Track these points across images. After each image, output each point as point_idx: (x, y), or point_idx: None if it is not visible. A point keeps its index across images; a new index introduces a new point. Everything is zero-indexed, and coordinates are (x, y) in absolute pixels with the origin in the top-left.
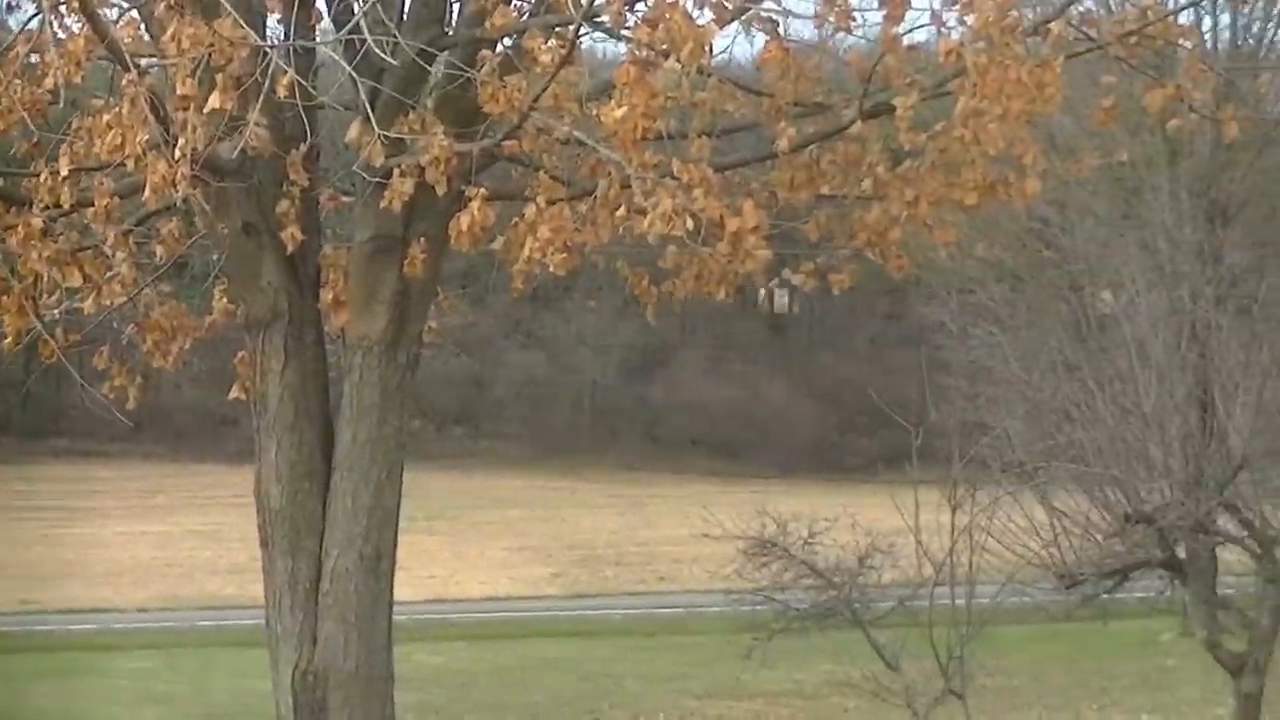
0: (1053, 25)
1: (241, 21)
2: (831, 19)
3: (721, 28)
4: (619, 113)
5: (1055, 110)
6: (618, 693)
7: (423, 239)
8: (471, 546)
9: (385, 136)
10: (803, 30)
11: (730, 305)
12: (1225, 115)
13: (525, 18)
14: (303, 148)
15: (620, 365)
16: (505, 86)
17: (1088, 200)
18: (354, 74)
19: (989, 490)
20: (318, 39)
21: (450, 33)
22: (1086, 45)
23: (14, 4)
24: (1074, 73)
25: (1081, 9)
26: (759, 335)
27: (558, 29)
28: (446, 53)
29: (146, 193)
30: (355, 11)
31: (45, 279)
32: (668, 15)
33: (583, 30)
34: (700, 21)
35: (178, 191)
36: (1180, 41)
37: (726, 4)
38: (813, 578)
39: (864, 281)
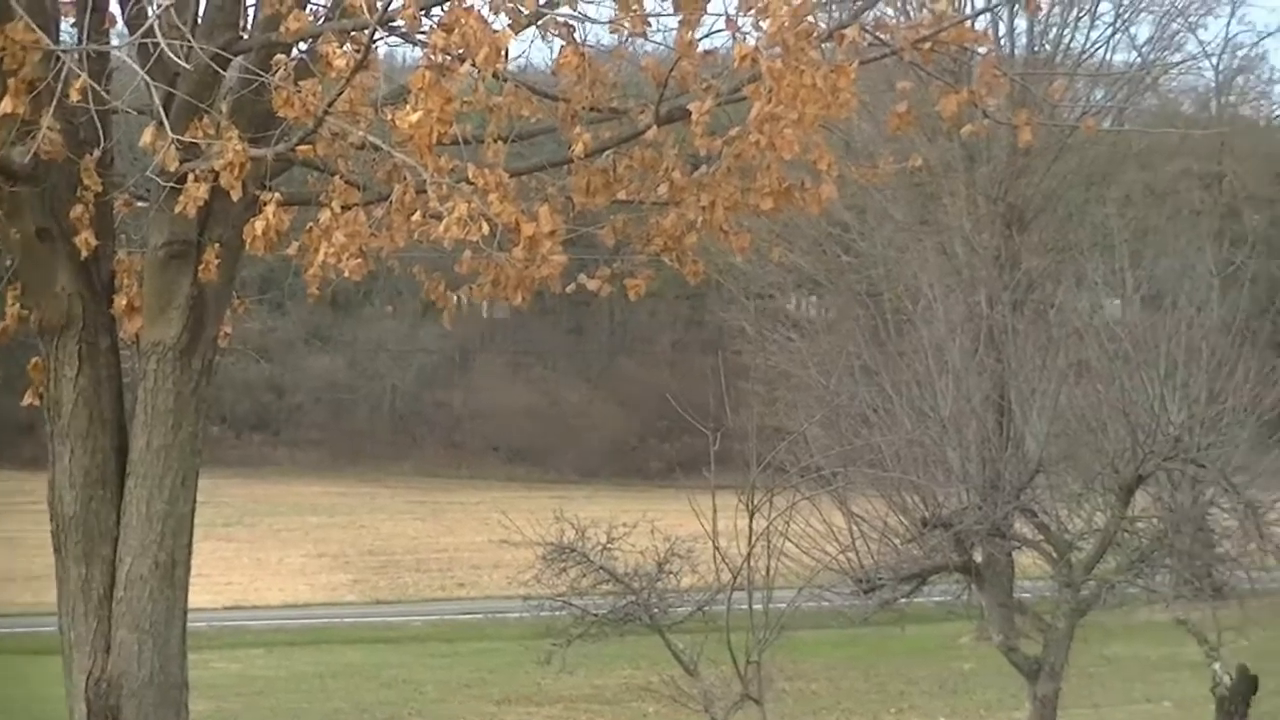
0: (847, 31)
1: (34, 25)
2: (627, 24)
3: (517, 33)
4: (414, 117)
5: (850, 115)
6: (417, 699)
7: (218, 244)
8: (270, 553)
9: (180, 141)
10: (599, 36)
11: (530, 310)
12: (1019, 120)
13: (320, 22)
14: (96, 152)
15: (420, 371)
16: (300, 91)
17: (886, 205)
18: (148, 78)
19: (787, 495)
20: (112, 43)
21: (245, 37)
22: (881, 51)
23: None
24: (872, 78)
25: (876, 15)
26: (559, 340)
27: (353, 33)
28: (241, 57)
29: None
30: (149, 16)
31: None
32: (463, 20)
33: (378, 35)
34: (496, 26)
35: None
36: (974, 47)
37: (522, 9)
38: (611, 583)
39: (664, 287)
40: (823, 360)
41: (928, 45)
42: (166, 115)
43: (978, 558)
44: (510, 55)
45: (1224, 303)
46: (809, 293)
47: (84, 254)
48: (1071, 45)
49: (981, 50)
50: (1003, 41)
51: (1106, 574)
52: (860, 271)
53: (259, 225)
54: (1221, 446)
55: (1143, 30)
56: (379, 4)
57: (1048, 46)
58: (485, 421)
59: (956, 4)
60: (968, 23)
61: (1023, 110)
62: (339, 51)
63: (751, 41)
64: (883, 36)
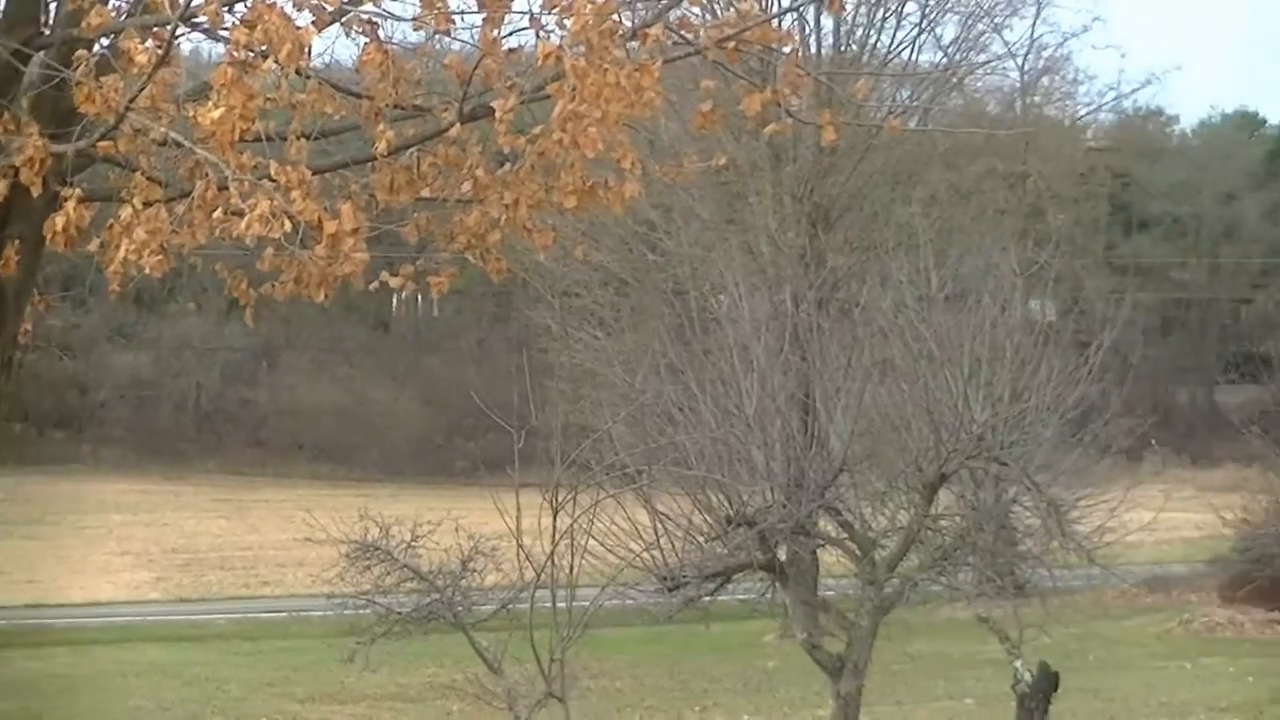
0: (651, 30)
1: None
2: (431, 21)
3: (320, 30)
4: (216, 114)
5: (655, 114)
6: (220, 697)
7: (17, 240)
8: (73, 551)
9: None
10: (404, 33)
11: (335, 307)
12: (823, 120)
13: (122, 18)
14: None
15: (225, 368)
16: (101, 87)
17: (692, 204)
18: None
19: (591, 493)
20: None
21: (46, 32)
22: (685, 50)
23: None
24: (678, 77)
25: (680, 13)
26: (364, 338)
27: (155, 29)
28: (42, 52)
29: None
30: None
31: None
32: (265, 17)
33: (180, 31)
34: (299, 23)
35: None
36: (778, 47)
37: (326, 5)
38: (415, 581)
39: (470, 284)
40: (628, 358)
41: (732, 44)
42: None
43: (782, 556)
44: (313, 52)
45: (1027, 301)
46: (615, 291)
47: None
48: (878, 45)
49: (785, 50)
50: (809, 41)
51: (910, 572)
52: (666, 270)
53: (59, 221)
54: (1024, 445)
55: (949, 31)
56: (180, 0)
57: (854, 46)
58: (290, 419)
59: (762, 4)
60: (772, 22)
61: (826, 110)
62: (140, 47)
63: (555, 40)
64: (687, 35)
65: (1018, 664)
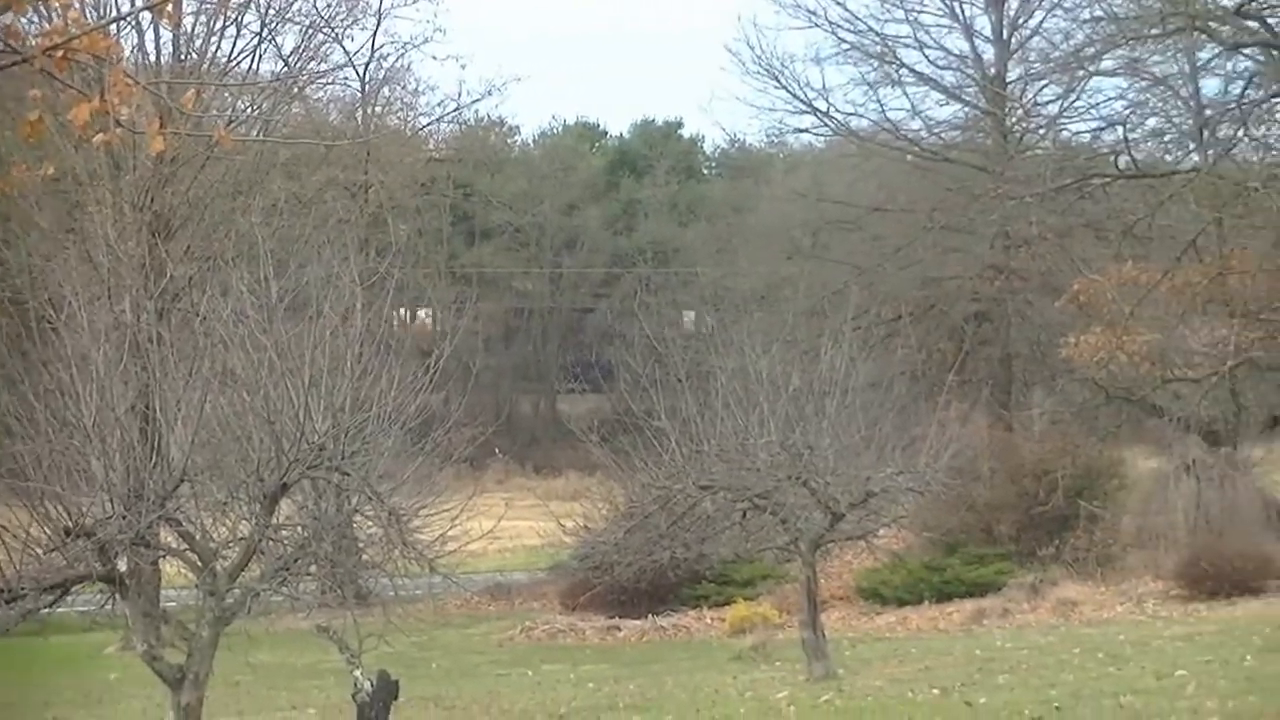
0: None
1: None
2: None
3: None
4: None
5: None
6: None
7: None
8: None
9: None
10: None
11: None
12: (151, 130)
13: None
14: None
15: None
16: None
17: (32, 213)
18: None
19: None
20: None
21: None
22: (12, 58)
23: None
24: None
25: (7, 22)
26: None
27: None
28: None
29: None
30: None
31: None
32: None
33: None
34: None
35: None
36: (108, 56)
37: None
38: None
39: None
40: None
41: (60, 53)
42: None
43: (122, 567)
44: None
45: (369, 311)
46: None
47: None
48: (218, 54)
49: (116, 59)
50: (148, 50)
51: (251, 582)
52: (4, 279)
53: None
54: (366, 454)
55: (290, 40)
56: None
57: (194, 55)
58: None
59: (100, 12)
60: (102, 31)
61: (154, 120)
62: None
63: None
64: (13, 44)
65: (357, 673)
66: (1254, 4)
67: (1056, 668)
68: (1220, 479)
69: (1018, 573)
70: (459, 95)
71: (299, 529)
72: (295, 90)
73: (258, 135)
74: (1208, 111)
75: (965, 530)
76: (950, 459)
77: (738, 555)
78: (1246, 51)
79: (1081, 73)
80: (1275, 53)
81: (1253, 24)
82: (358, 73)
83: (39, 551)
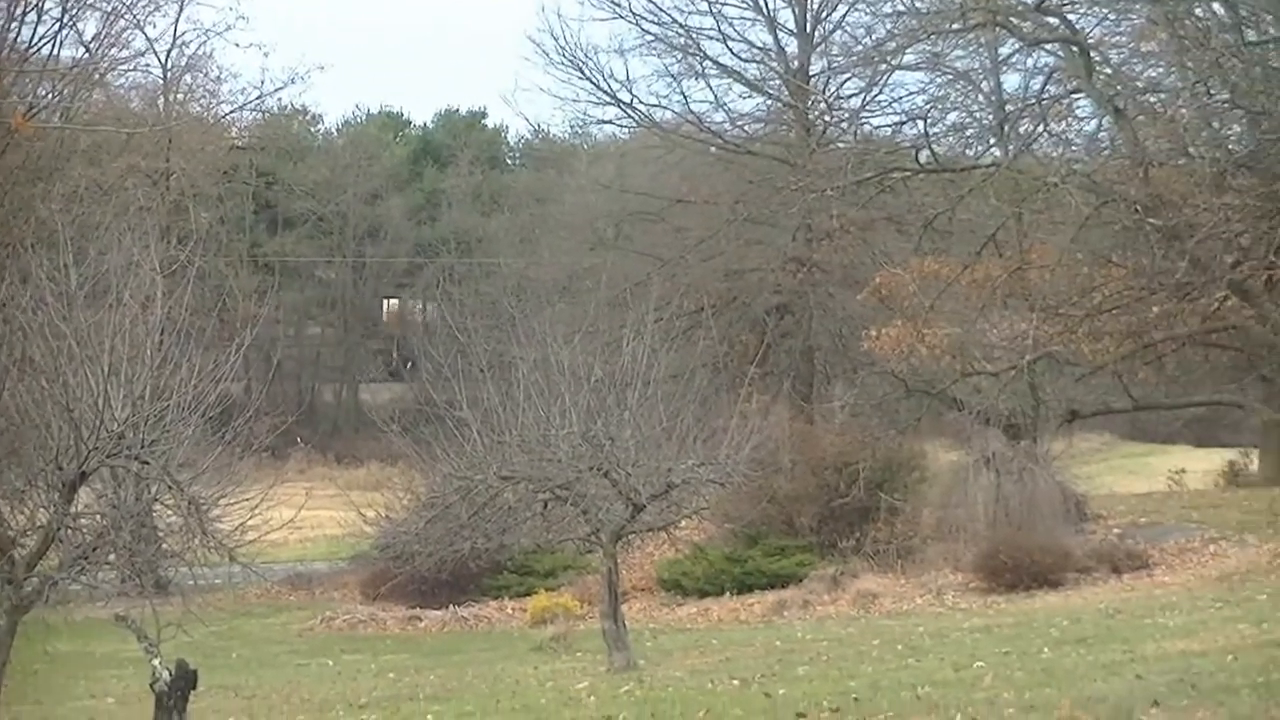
0: None
1: None
2: None
3: None
4: None
5: None
6: None
7: None
8: None
9: None
10: None
11: None
12: None
13: None
14: None
15: None
16: None
17: None
18: None
19: None
20: None
21: None
22: None
23: None
24: None
25: None
26: None
27: None
28: None
29: None
30: None
31: None
32: None
33: None
34: None
35: None
36: None
37: None
38: None
39: None
40: None
41: None
42: None
43: None
44: None
45: (170, 299)
46: None
47: None
48: (18, 40)
49: None
50: None
51: (49, 570)
52: None
53: None
54: (166, 443)
55: (92, 26)
56: None
57: None
58: None
59: None
60: None
61: None
62: None
63: None
64: None
65: (156, 662)
66: (1053, 1)
67: (856, 659)
68: (1020, 472)
69: (818, 564)
70: (261, 83)
71: (98, 517)
72: (96, 77)
73: (58, 121)
74: (1008, 107)
75: (766, 522)
76: (751, 451)
77: (539, 546)
78: (1047, 47)
79: (884, 67)
80: (1075, 49)
81: (1053, 20)
82: (160, 60)
83: None
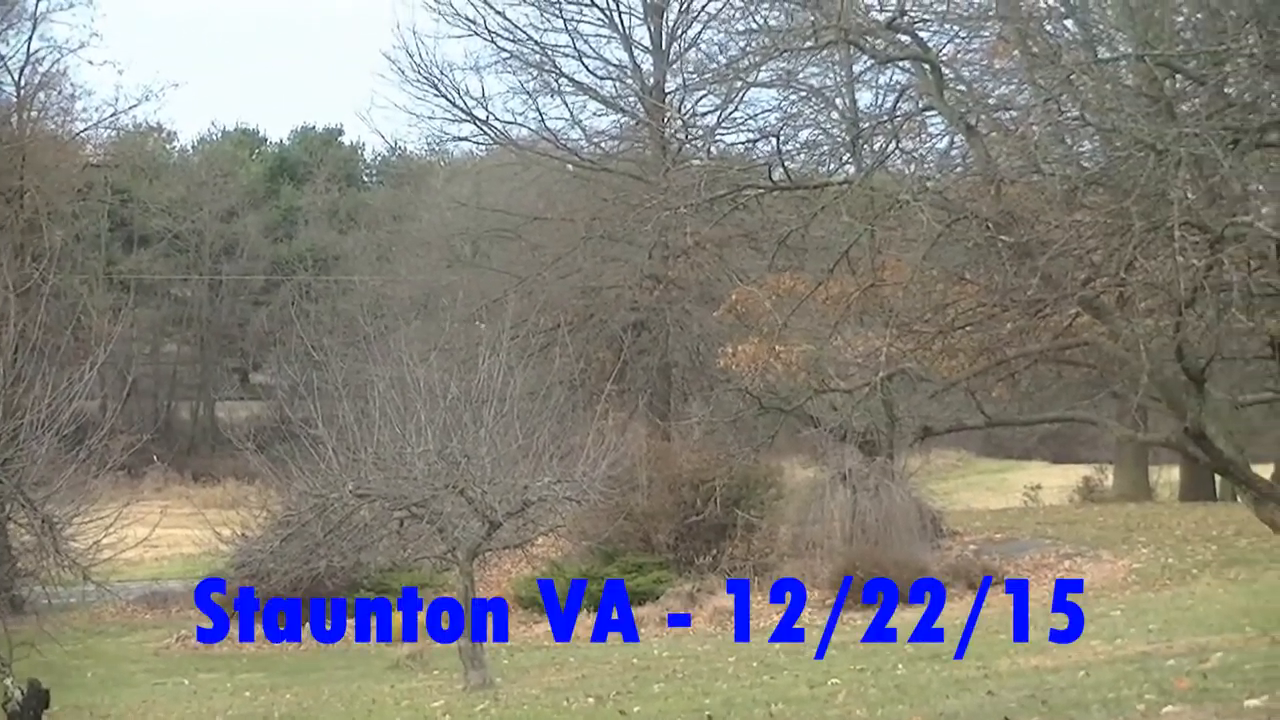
0: None
1: None
2: None
3: None
4: None
5: None
6: None
7: None
8: None
9: None
10: None
11: None
12: None
13: None
14: None
15: None
16: None
17: None
18: None
19: None
20: None
21: None
22: None
23: None
24: None
25: None
26: None
27: None
28: None
29: None
30: None
31: None
32: None
33: None
34: None
35: None
36: None
37: None
38: None
39: None
40: None
41: None
42: None
43: None
44: None
45: (23, 317)
46: None
47: None
48: None
49: None
50: None
51: None
52: None
53: None
54: (19, 461)
55: None
56: None
57: None
58: None
59: None
60: None
61: None
62: None
63: None
64: None
65: (8, 681)
66: (905, 19)
67: (711, 676)
68: (876, 488)
69: (676, 581)
70: (116, 100)
71: None
72: None
73: None
74: (861, 124)
75: (623, 539)
76: (608, 468)
77: (395, 564)
78: (900, 65)
79: (738, 84)
80: (926, 66)
81: (904, 38)
82: (12, 77)
83: None
